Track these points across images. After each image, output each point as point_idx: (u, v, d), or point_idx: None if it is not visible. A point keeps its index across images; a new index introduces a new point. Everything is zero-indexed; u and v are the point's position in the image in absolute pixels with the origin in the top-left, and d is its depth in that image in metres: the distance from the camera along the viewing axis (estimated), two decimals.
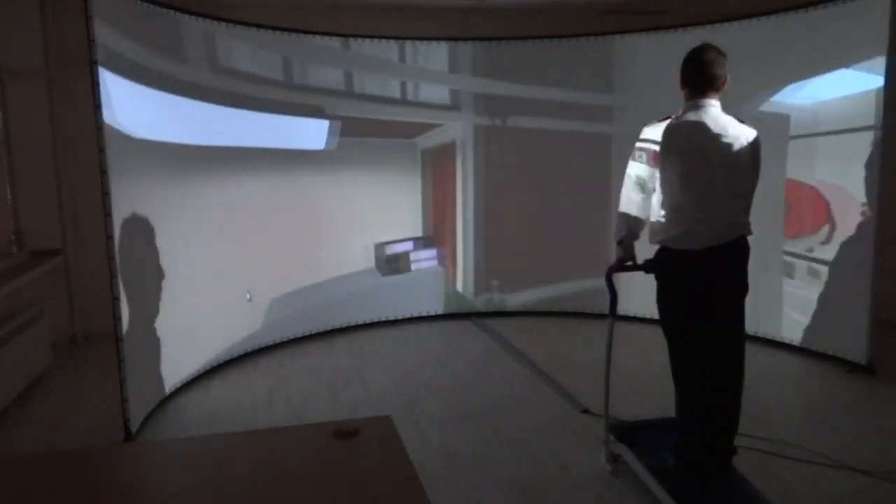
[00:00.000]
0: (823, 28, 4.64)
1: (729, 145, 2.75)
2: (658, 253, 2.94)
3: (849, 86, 4.57)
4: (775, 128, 4.90)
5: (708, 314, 2.82)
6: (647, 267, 3.01)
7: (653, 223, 2.95)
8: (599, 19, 6.30)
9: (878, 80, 4.32)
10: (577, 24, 6.13)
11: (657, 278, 2.99)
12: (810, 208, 4.83)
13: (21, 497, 1.67)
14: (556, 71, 5.90)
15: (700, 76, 2.79)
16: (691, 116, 2.79)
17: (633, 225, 3.01)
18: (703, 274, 2.80)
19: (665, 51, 4.66)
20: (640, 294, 5.25)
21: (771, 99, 4.97)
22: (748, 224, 2.87)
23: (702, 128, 2.75)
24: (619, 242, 3.07)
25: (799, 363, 4.78)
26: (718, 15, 5.23)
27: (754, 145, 2.82)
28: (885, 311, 5.07)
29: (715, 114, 2.78)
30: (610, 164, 5.86)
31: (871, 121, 4.36)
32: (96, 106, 3.56)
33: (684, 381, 2.92)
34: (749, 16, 5.02)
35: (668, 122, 2.85)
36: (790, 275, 4.96)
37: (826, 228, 4.72)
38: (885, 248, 4.47)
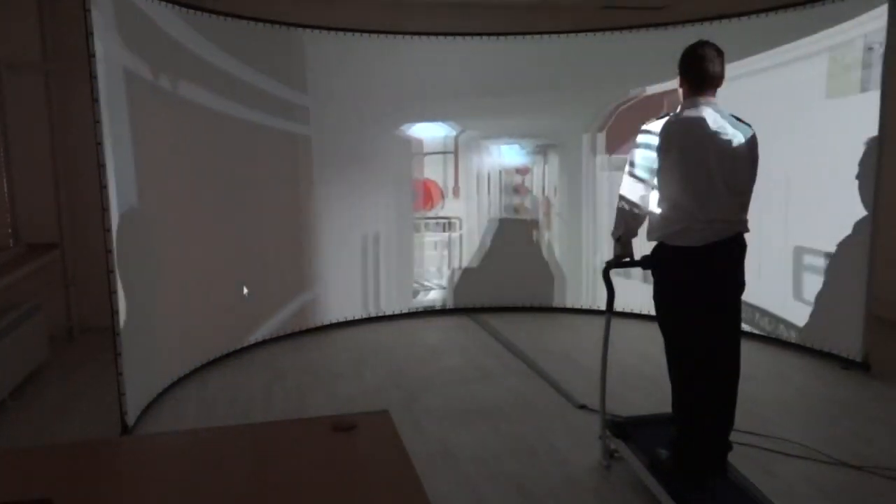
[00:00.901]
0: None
1: (728, 142, 2.75)
2: (656, 250, 2.95)
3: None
4: None
5: (706, 311, 2.83)
6: (645, 263, 3.02)
7: (650, 220, 2.95)
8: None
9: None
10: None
11: (655, 275, 3.00)
12: None
13: (18, 489, 1.67)
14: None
15: (699, 74, 2.80)
16: (690, 113, 2.79)
17: (630, 221, 3.00)
18: (702, 271, 2.80)
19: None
20: (637, 291, 5.31)
21: None
22: (746, 221, 2.87)
23: (701, 124, 2.75)
24: (618, 239, 3.06)
25: (794, 360, 4.80)
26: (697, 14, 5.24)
27: (752, 143, 2.82)
28: (881, 307, 5.09)
29: (713, 111, 2.78)
30: (310, 169, 5.56)
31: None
32: (94, 99, 3.55)
33: (681, 377, 2.92)
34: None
35: (666, 119, 2.86)
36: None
37: None
38: (880, 245, 4.49)
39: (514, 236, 6.32)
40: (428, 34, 5.81)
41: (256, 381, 4.57)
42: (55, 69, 5.44)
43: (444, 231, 6.27)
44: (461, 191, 6.26)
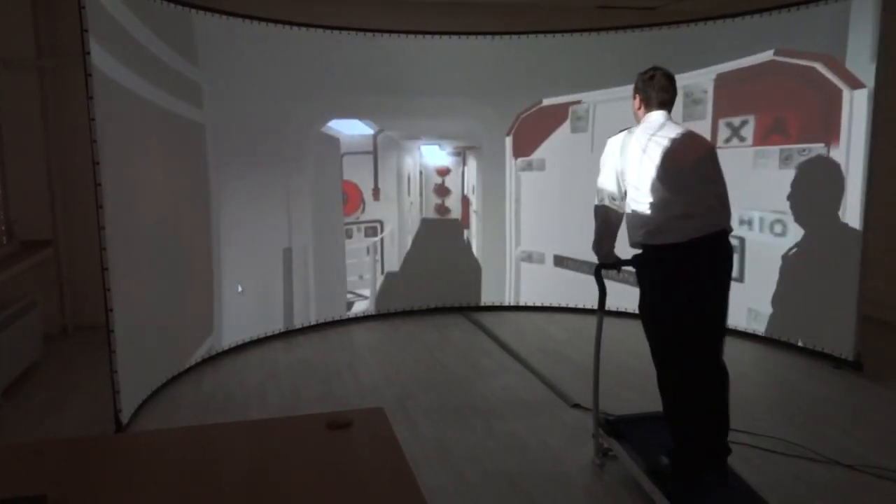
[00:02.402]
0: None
1: (688, 139, 2.94)
2: (641, 254, 3.00)
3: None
4: None
5: (692, 313, 2.85)
6: (635, 262, 3.05)
7: (629, 226, 3.03)
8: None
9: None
10: None
11: (641, 281, 3.06)
12: None
13: (14, 486, 1.68)
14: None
15: (657, 96, 3.04)
16: (652, 121, 3.02)
17: (607, 234, 3.14)
18: (686, 268, 2.84)
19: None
20: (629, 290, 5.33)
21: None
22: (728, 217, 2.92)
23: (662, 128, 2.96)
24: (598, 252, 3.20)
25: (787, 359, 4.83)
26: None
27: (702, 141, 3.09)
28: (873, 307, 5.12)
29: (667, 119, 3.03)
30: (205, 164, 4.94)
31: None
32: (89, 96, 3.55)
33: (671, 384, 2.93)
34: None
35: (626, 131, 3.06)
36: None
37: None
38: (872, 245, 4.52)
39: (440, 236, 6.27)
40: (346, 29, 5.62)
41: (251, 380, 4.57)
42: (50, 66, 5.43)
43: (371, 235, 5.96)
44: (381, 193, 5.98)
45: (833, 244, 4.63)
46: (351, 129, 5.87)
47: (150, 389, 4.24)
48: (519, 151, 6.15)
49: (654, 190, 2.88)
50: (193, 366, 4.75)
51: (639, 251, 3.00)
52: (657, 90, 3.03)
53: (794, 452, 3.42)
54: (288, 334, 5.51)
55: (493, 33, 5.88)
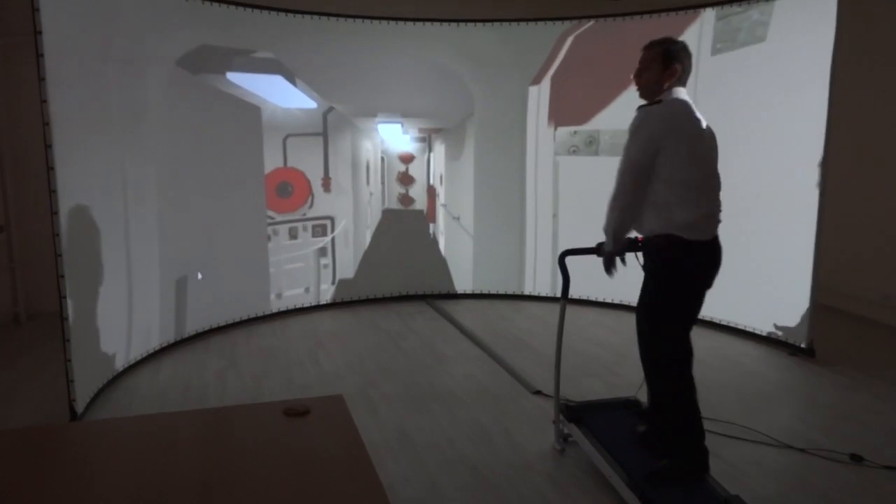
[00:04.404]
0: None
1: (708, 133, 2.81)
2: (660, 240, 2.76)
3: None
4: None
5: (697, 303, 2.84)
6: (653, 249, 2.84)
7: (650, 212, 2.78)
8: None
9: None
10: None
11: (655, 269, 2.85)
12: None
13: None
14: None
15: (687, 69, 2.85)
16: (686, 99, 2.79)
17: (632, 218, 2.84)
18: (704, 265, 2.80)
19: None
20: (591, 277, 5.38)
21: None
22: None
23: (691, 110, 2.76)
24: (613, 236, 2.88)
25: (743, 346, 4.93)
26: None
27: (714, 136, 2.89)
28: (826, 295, 5.25)
29: (689, 100, 2.81)
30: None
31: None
32: (41, 78, 3.44)
33: (673, 379, 2.83)
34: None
35: (654, 106, 2.78)
36: None
37: None
38: (825, 235, 4.62)
39: (403, 229, 5.87)
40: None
41: (210, 368, 4.51)
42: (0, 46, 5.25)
43: (319, 235, 5.26)
44: (333, 183, 5.23)
45: (788, 233, 4.73)
46: (287, 98, 5.01)
47: (105, 378, 4.15)
48: (561, 116, 5.32)
49: (693, 181, 2.71)
50: (151, 354, 4.66)
51: (635, 236, 2.86)
52: (689, 63, 2.82)
53: (748, 437, 3.49)
54: (249, 322, 5.44)
55: (457, 20, 5.83)
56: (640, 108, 2.84)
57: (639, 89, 2.91)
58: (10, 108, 5.34)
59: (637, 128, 2.78)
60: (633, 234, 2.91)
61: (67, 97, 3.71)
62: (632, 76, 2.94)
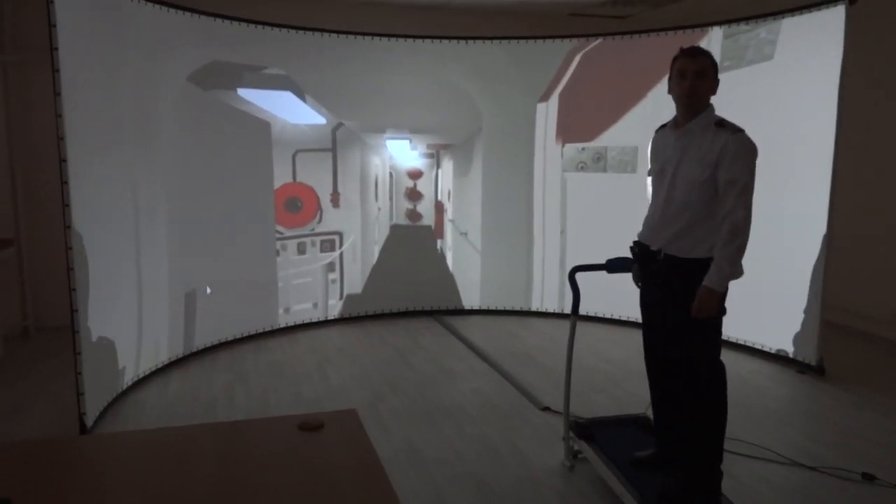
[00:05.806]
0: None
1: None
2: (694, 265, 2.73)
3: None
4: None
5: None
6: (696, 267, 2.78)
7: (707, 235, 2.75)
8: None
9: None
10: None
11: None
12: None
13: None
14: None
15: None
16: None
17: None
18: None
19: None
20: (601, 294, 5.38)
21: None
22: None
23: None
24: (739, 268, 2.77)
25: (752, 363, 4.91)
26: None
27: None
28: (836, 313, 5.24)
29: None
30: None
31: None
32: (56, 93, 3.48)
33: (717, 398, 2.81)
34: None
35: (744, 133, 2.69)
36: None
37: None
38: (835, 253, 4.62)
39: (412, 244, 5.92)
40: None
41: (219, 382, 4.52)
42: (13, 61, 5.31)
43: (328, 250, 5.28)
44: (342, 198, 5.26)
45: (797, 251, 4.73)
46: (296, 114, 5.13)
47: (115, 392, 4.16)
48: (569, 132, 5.38)
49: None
50: (160, 368, 4.67)
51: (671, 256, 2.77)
52: None
53: (758, 454, 3.48)
54: (257, 337, 5.45)
55: (465, 38, 5.88)
56: (724, 128, 2.68)
57: (690, 97, 2.70)
58: (23, 123, 5.39)
59: (747, 152, 2.65)
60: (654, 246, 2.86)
61: (81, 112, 3.75)
62: (681, 80, 2.70)
